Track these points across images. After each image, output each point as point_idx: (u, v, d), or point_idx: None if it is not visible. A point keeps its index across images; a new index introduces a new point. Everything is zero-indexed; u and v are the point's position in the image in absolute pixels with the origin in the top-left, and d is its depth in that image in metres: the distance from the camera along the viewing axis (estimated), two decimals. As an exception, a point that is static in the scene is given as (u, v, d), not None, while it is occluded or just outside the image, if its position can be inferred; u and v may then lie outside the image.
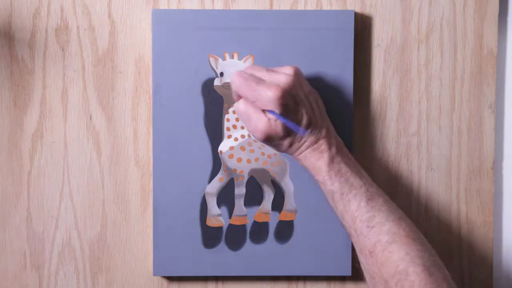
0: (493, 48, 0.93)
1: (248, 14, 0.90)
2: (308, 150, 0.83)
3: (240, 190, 0.91)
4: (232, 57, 0.90)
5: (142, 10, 0.91)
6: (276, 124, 0.81)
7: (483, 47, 0.93)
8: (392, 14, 0.92)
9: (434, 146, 0.93)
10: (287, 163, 0.91)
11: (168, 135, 0.90)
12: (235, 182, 0.91)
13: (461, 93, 0.93)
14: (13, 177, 0.92)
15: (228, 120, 0.90)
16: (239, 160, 0.91)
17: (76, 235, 0.92)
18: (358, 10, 0.92)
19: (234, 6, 0.91)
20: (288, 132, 0.82)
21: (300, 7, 0.91)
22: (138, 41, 0.91)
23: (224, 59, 0.90)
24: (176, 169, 0.90)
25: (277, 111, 0.80)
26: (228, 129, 0.91)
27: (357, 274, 0.93)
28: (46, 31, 0.90)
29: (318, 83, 0.90)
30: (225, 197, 0.91)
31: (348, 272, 0.92)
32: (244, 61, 0.90)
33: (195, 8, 0.91)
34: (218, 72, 0.90)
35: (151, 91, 0.91)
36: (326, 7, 0.91)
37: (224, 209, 0.91)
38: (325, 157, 0.83)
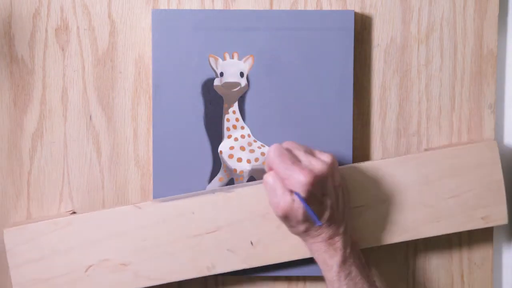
0: (493, 48, 0.93)
1: (248, 14, 0.90)
2: (323, 243, 0.82)
3: (240, 190, 0.91)
4: (232, 57, 0.90)
5: (142, 10, 0.91)
6: (297, 208, 0.79)
7: (483, 47, 0.93)
8: (392, 14, 0.92)
9: (434, 146, 0.93)
10: (287, 163, 0.91)
11: (168, 135, 0.90)
12: (235, 182, 0.91)
13: (461, 93, 0.93)
14: (13, 177, 0.92)
15: (228, 120, 0.90)
16: (239, 160, 0.91)
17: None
18: (358, 10, 0.92)
19: (234, 6, 0.91)
20: (307, 218, 0.80)
21: (300, 7, 0.91)
22: (138, 41, 0.91)
23: (224, 59, 0.90)
24: (176, 169, 0.90)
25: (303, 195, 0.79)
26: (228, 129, 0.91)
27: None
28: (46, 31, 0.90)
29: (318, 83, 0.90)
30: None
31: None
32: (244, 61, 0.90)
33: (195, 8, 0.91)
34: (218, 72, 0.90)
35: (151, 91, 0.91)
36: (326, 7, 0.91)
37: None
38: (339, 256, 0.82)
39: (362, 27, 0.92)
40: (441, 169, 0.88)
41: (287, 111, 0.90)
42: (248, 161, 0.91)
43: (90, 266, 0.87)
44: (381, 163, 0.88)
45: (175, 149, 0.90)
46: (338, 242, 0.82)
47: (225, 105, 0.90)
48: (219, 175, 0.91)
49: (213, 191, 0.88)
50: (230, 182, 0.91)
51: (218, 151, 0.91)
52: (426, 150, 0.92)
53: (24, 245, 0.86)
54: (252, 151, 0.91)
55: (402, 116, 0.93)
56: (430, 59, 0.93)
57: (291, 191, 0.79)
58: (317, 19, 0.90)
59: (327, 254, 0.82)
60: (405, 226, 0.89)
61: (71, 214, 0.90)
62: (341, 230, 0.82)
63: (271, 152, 0.81)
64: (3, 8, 0.90)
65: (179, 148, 0.90)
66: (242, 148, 0.91)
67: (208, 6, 0.91)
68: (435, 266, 0.94)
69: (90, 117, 0.92)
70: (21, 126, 0.91)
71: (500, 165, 0.88)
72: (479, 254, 0.94)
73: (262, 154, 0.91)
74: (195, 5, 0.91)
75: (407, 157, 0.89)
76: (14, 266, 0.86)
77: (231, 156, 0.91)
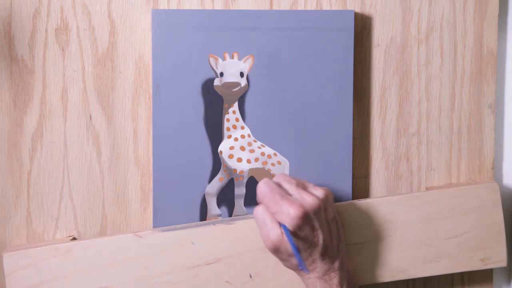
0: (493, 48, 0.93)
1: (248, 14, 0.90)
2: (318, 280, 0.81)
3: (240, 190, 0.91)
4: (232, 57, 0.90)
5: (142, 10, 0.91)
6: (287, 241, 0.78)
7: (483, 47, 0.93)
8: (392, 14, 0.92)
9: (434, 146, 0.93)
10: (287, 163, 0.91)
11: (168, 135, 0.90)
12: (235, 182, 0.91)
13: (461, 93, 0.93)
14: (13, 177, 0.92)
15: (228, 120, 0.90)
16: (239, 160, 0.91)
17: (76, 235, 0.92)
18: (358, 10, 0.92)
19: (234, 6, 0.91)
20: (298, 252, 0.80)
21: (300, 7, 0.91)
22: (138, 41, 0.91)
23: (224, 59, 0.90)
24: (176, 169, 0.90)
25: (291, 229, 0.78)
26: (228, 129, 0.91)
27: (357, 274, 0.94)
28: (46, 31, 0.90)
29: (318, 83, 0.90)
30: (225, 197, 0.91)
31: None
32: (244, 61, 0.90)
33: (195, 8, 0.91)
34: (218, 72, 0.90)
35: (151, 91, 0.91)
36: (326, 7, 0.91)
37: (224, 209, 0.91)
38: None
39: (362, 27, 0.92)
40: (442, 209, 0.88)
41: (287, 111, 0.90)
42: (248, 161, 0.91)
43: None
44: (382, 200, 0.89)
45: (175, 149, 0.90)
46: (334, 278, 0.81)
47: (225, 105, 0.90)
48: (219, 175, 0.91)
49: (213, 223, 0.88)
50: (230, 182, 0.91)
51: (218, 151, 0.91)
52: (427, 189, 0.92)
53: (23, 270, 0.86)
54: (252, 151, 0.91)
55: (402, 116, 0.93)
56: (430, 59, 0.93)
57: (281, 225, 0.79)
58: (317, 19, 0.90)
59: None
60: (404, 265, 0.88)
61: (71, 240, 0.89)
62: (337, 265, 0.82)
63: (261, 186, 0.81)
64: (3, 8, 0.90)
65: (179, 148, 0.90)
66: (242, 148, 0.91)
67: (208, 6, 0.91)
68: None
69: (90, 117, 0.92)
70: (21, 126, 0.91)
71: (501, 207, 0.89)
72: None
73: (262, 154, 0.91)
74: (195, 5, 0.91)
75: (408, 196, 0.89)
76: None
77: (231, 156, 0.91)
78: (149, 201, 0.92)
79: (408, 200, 0.88)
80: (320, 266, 0.81)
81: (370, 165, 0.93)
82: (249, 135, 0.91)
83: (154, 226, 0.90)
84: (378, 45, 0.92)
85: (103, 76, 0.91)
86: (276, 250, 0.80)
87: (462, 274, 0.94)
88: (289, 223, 0.78)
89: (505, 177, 0.96)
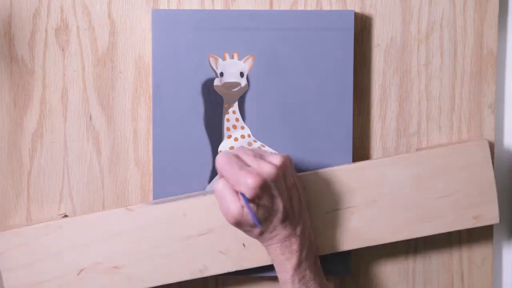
0: (493, 48, 0.93)
1: (248, 14, 0.90)
2: (279, 244, 0.82)
3: (240, 190, 0.91)
4: (232, 57, 0.90)
5: (142, 10, 0.91)
6: (247, 213, 0.79)
7: (483, 47, 0.93)
8: (392, 14, 0.92)
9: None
10: (287, 163, 0.91)
11: (168, 135, 0.90)
12: (235, 182, 0.91)
13: (461, 93, 0.93)
14: (13, 177, 0.92)
15: (228, 120, 0.90)
16: (239, 160, 0.91)
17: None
18: (358, 10, 0.92)
19: (234, 6, 0.91)
20: (260, 221, 0.80)
21: (300, 7, 0.91)
22: (138, 41, 0.91)
23: (224, 59, 0.90)
24: (176, 169, 0.90)
25: (249, 198, 0.78)
26: (228, 129, 0.91)
27: (356, 272, 0.93)
28: (46, 31, 0.90)
29: (318, 83, 0.90)
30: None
31: (347, 271, 0.92)
32: (244, 61, 0.90)
33: (195, 8, 0.91)
34: (218, 72, 0.90)
35: (151, 91, 0.91)
36: (326, 7, 0.91)
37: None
38: (294, 259, 0.82)
39: (362, 27, 0.92)
40: (432, 169, 0.88)
41: (287, 111, 0.90)
42: (248, 161, 0.91)
43: (83, 269, 0.87)
44: (372, 163, 0.89)
45: (175, 149, 0.90)
46: (294, 244, 0.82)
47: (225, 105, 0.90)
48: (219, 175, 0.91)
49: (204, 193, 0.88)
50: (230, 182, 0.91)
51: (218, 151, 0.91)
52: (417, 150, 0.92)
53: (16, 249, 0.86)
54: (252, 151, 0.91)
55: (402, 116, 0.93)
56: (430, 59, 0.93)
57: (240, 196, 0.79)
58: (317, 19, 0.90)
59: (283, 256, 0.82)
60: (397, 226, 0.88)
61: (62, 217, 0.90)
62: (298, 231, 0.82)
63: (219, 159, 0.81)
64: (3, 8, 0.90)
65: (179, 148, 0.90)
66: (242, 148, 0.91)
67: (208, 6, 0.91)
68: (435, 266, 0.94)
69: (90, 117, 0.92)
70: (21, 126, 0.91)
71: (491, 165, 0.89)
72: (479, 253, 0.94)
73: (262, 154, 0.91)
74: (195, 5, 0.91)
75: (398, 157, 0.89)
76: (6, 270, 0.86)
77: (231, 156, 0.91)
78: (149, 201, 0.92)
79: (398, 162, 0.88)
80: (280, 232, 0.81)
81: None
82: (249, 135, 0.91)
83: (154, 226, 0.90)
84: (378, 45, 0.92)
85: (103, 76, 0.91)
86: (238, 223, 0.80)
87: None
88: (247, 193, 0.78)
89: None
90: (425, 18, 0.92)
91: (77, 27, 0.91)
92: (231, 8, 0.91)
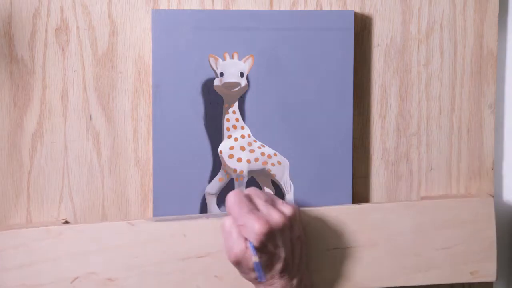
0: (493, 48, 0.93)
1: (248, 14, 0.90)
2: None
3: (240, 190, 0.91)
4: (232, 57, 0.90)
5: (142, 10, 0.91)
6: (250, 256, 0.79)
7: (483, 47, 0.93)
8: (392, 14, 0.92)
9: (434, 146, 0.93)
10: (287, 163, 0.91)
11: (168, 135, 0.90)
12: (235, 182, 0.91)
13: (461, 93, 0.93)
14: (13, 177, 0.92)
15: (228, 120, 0.90)
16: (239, 160, 0.91)
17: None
18: (358, 10, 0.92)
19: (234, 6, 0.91)
20: (258, 268, 0.80)
21: (300, 7, 0.91)
22: (138, 41, 0.91)
23: (224, 59, 0.90)
24: (176, 169, 0.90)
25: (255, 245, 0.78)
26: (228, 129, 0.91)
27: (357, 274, 0.93)
28: (46, 31, 0.90)
29: (318, 83, 0.90)
30: (225, 197, 0.91)
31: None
32: (244, 61, 0.90)
33: (195, 8, 0.91)
34: (218, 72, 0.90)
35: (151, 91, 0.91)
36: (326, 7, 0.91)
37: (224, 209, 0.91)
38: None
39: (362, 27, 0.92)
40: (435, 220, 0.88)
41: (287, 111, 0.90)
42: (248, 161, 0.91)
43: (77, 277, 0.87)
44: (376, 206, 0.89)
45: (175, 149, 0.90)
46: None
47: (225, 105, 0.90)
48: (219, 175, 0.91)
49: (206, 216, 0.88)
50: (230, 182, 0.91)
51: (218, 151, 0.91)
52: (422, 198, 0.92)
53: (14, 249, 0.86)
54: (252, 151, 0.91)
55: (402, 116, 0.93)
56: (430, 59, 0.93)
57: (246, 239, 0.79)
58: (317, 19, 0.90)
59: None
60: (394, 273, 0.88)
61: (63, 223, 0.90)
62: (295, 283, 0.82)
63: (230, 198, 0.81)
64: (3, 8, 0.90)
65: (179, 148, 0.90)
66: (242, 148, 0.91)
67: (208, 6, 0.91)
68: None
69: (90, 117, 0.92)
70: (21, 126, 0.91)
71: (494, 222, 0.89)
72: None
73: (262, 154, 0.91)
74: (195, 5, 0.91)
75: (402, 204, 0.89)
76: (2, 269, 0.86)
77: (231, 156, 0.91)
78: (149, 201, 0.92)
79: (402, 209, 0.88)
80: (277, 282, 0.81)
81: (370, 165, 0.93)
82: (249, 135, 0.91)
83: (154, 226, 0.90)
84: (378, 45, 0.92)
85: (103, 76, 0.91)
86: (237, 263, 0.81)
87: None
88: (253, 238, 0.78)
89: (505, 177, 0.96)
90: (425, 18, 0.92)
91: (77, 27, 0.91)
92: (231, 8, 0.91)
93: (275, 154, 0.91)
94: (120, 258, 0.87)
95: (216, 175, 0.91)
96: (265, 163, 0.91)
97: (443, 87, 0.93)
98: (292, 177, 0.91)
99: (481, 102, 0.93)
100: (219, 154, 0.91)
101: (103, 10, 0.91)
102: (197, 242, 0.87)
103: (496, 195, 0.96)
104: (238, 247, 0.79)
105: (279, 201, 0.83)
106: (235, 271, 0.84)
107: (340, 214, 0.88)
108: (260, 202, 0.82)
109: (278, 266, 0.81)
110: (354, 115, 0.92)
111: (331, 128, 0.91)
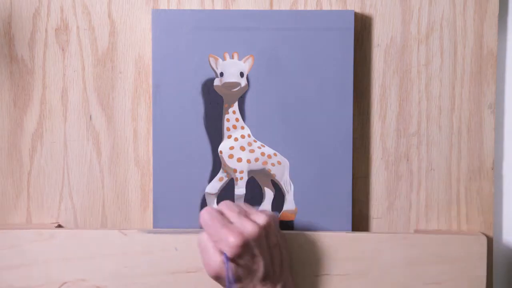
0: (493, 48, 0.93)
1: (248, 14, 0.90)
2: None
3: (240, 190, 0.91)
4: (232, 57, 0.90)
5: (142, 10, 0.91)
6: (228, 269, 0.79)
7: (483, 47, 0.93)
8: (392, 14, 0.92)
9: (434, 146, 0.93)
10: (287, 163, 0.91)
11: (168, 135, 0.90)
12: (235, 182, 0.91)
13: (461, 93, 0.93)
14: (13, 177, 0.92)
15: (228, 120, 0.90)
16: (239, 160, 0.91)
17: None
18: (358, 10, 0.92)
19: (234, 6, 0.91)
20: (238, 279, 0.80)
21: (300, 7, 0.91)
22: (138, 41, 0.91)
23: (224, 59, 0.90)
24: (176, 169, 0.90)
25: (230, 256, 0.78)
26: (228, 129, 0.91)
27: (357, 274, 0.93)
28: (46, 31, 0.90)
29: (318, 83, 0.90)
30: (225, 197, 0.91)
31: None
32: (244, 61, 0.90)
33: (195, 8, 0.91)
34: (218, 72, 0.90)
35: (151, 91, 0.91)
36: (326, 7, 0.91)
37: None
38: None
39: (362, 27, 0.92)
40: (427, 254, 0.88)
41: (287, 111, 0.90)
42: (248, 161, 0.91)
43: (65, 282, 0.87)
44: (370, 236, 0.89)
45: (175, 149, 0.90)
46: None
47: (225, 105, 0.90)
48: (219, 175, 0.91)
49: (201, 231, 0.88)
50: (230, 182, 0.91)
51: (218, 151, 0.91)
52: (416, 231, 0.92)
53: (5, 250, 0.86)
54: (252, 151, 0.91)
55: (402, 116, 0.93)
56: (430, 59, 0.93)
57: (222, 252, 0.79)
58: (317, 19, 0.90)
59: None
60: None
61: (56, 227, 0.90)
62: None
63: (203, 215, 0.81)
64: (3, 8, 0.90)
65: (179, 148, 0.90)
66: (242, 148, 0.91)
67: (208, 6, 0.91)
68: None
69: (90, 117, 0.92)
70: (21, 126, 0.91)
71: (485, 261, 0.88)
72: None
73: (262, 154, 0.91)
74: (195, 5, 0.91)
75: (396, 236, 0.89)
76: None
77: (231, 156, 0.91)
78: (149, 201, 0.92)
79: (395, 240, 0.88)
80: None
81: (370, 165, 0.93)
82: (249, 135, 0.91)
83: (154, 226, 0.90)
84: (378, 45, 0.92)
85: (103, 76, 0.91)
86: (217, 277, 0.81)
87: None
88: (229, 251, 0.78)
89: (505, 177, 0.96)
90: (425, 18, 0.92)
91: (77, 27, 0.91)
92: (231, 8, 0.91)
93: (275, 154, 0.91)
94: (110, 267, 0.87)
95: (216, 175, 0.91)
96: (265, 163, 0.91)
97: (443, 87, 0.93)
98: (292, 177, 0.91)
99: (481, 102, 0.93)
100: (219, 154, 0.91)
101: (103, 10, 0.91)
102: (188, 257, 0.87)
103: (496, 195, 0.96)
104: (216, 261, 0.80)
105: (252, 211, 0.83)
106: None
107: (334, 240, 0.88)
108: (232, 215, 0.81)
109: (259, 274, 0.81)
110: (354, 115, 0.92)
111: (331, 128, 0.91)
